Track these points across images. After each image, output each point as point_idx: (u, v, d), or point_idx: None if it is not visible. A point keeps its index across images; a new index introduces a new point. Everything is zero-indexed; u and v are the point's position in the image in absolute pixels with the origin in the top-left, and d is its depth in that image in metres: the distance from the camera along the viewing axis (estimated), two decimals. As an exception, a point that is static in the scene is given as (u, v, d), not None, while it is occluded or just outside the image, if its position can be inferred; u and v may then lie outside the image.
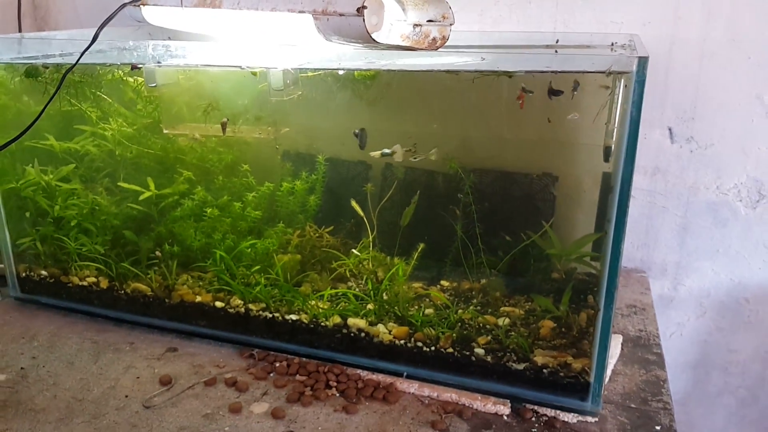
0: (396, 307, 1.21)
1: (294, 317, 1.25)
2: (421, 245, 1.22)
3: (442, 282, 1.29)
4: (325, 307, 1.24)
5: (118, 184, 1.38)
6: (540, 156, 1.26)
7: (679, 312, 1.64)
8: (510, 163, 1.28)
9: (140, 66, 1.20)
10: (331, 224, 1.32)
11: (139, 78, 1.28)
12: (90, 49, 1.12)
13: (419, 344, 1.17)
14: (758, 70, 1.42)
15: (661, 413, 1.08)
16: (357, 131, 1.19)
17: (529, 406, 1.10)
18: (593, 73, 1.02)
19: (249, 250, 1.29)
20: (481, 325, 1.18)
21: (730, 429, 1.69)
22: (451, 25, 1.00)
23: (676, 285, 1.62)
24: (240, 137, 1.28)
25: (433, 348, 1.16)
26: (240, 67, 1.17)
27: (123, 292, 1.38)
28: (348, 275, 1.29)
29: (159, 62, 1.16)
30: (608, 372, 1.17)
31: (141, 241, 1.37)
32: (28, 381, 1.18)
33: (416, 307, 1.22)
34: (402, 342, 1.18)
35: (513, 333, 1.15)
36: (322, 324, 1.23)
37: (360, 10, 0.88)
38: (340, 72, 1.17)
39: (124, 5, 1.20)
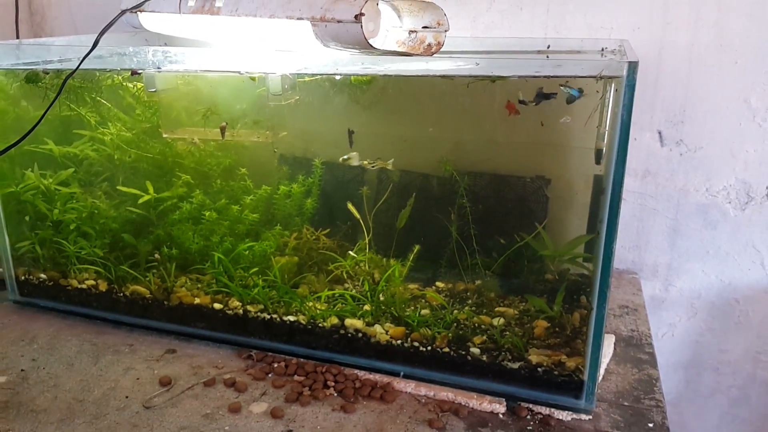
0: (393, 308, 1.23)
1: (292, 318, 1.27)
2: (417, 247, 1.24)
3: (437, 283, 1.31)
4: (323, 308, 1.26)
5: (117, 187, 1.39)
6: (533, 159, 1.29)
7: (671, 313, 1.66)
8: (503, 166, 1.30)
9: (140, 72, 1.22)
10: (327, 227, 1.34)
11: (138, 83, 1.30)
12: (89, 55, 1.13)
13: (416, 344, 1.19)
14: (745, 74, 1.45)
15: (654, 411, 1.10)
16: (351, 131, 1.22)
17: (524, 404, 1.11)
18: (585, 78, 1.05)
19: (247, 252, 1.31)
20: (476, 325, 1.20)
21: (722, 428, 1.71)
22: (446, 31, 1.02)
23: (667, 286, 1.65)
24: (238, 141, 1.30)
25: (429, 348, 1.18)
26: (239, 72, 1.19)
27: (122, 294, 1.39)
28: (345, 277, 1.30)
29: (159, 68, 1.18)
30: (601, 371, 1.19)
31: (140, 244, 1.38)
32: (29, 382, 1.19)
33: (412, 307, 1.24)
34: (399, 342, 1.20)
35: (508, 333, 1.17)
36: (320, 325, 1.25)
37: (358, 17, 0.90)
38: (337, 77, 1.19)
39: (124, 12, 1.21)
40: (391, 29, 1.00)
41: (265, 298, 1.29)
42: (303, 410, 1.11)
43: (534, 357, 1.13)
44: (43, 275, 1.47)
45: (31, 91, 1.36)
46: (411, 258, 1.23)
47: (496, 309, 1.23)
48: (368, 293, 1.25)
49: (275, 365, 1.23)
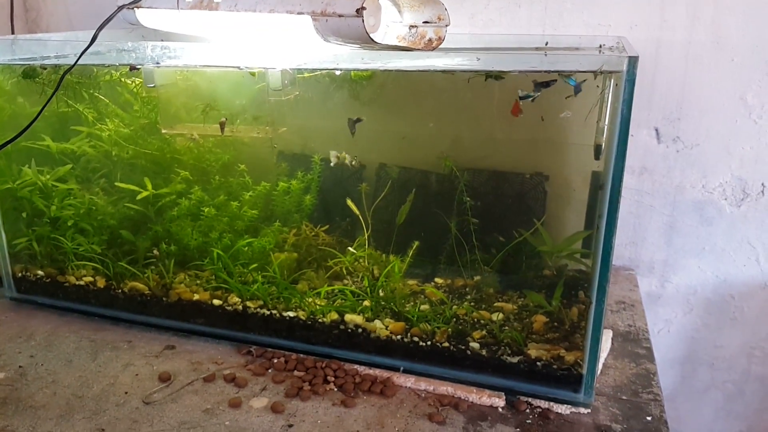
0: (392, 303, 1.23)
1: (291, 314, 1.27)
2: (416, 243, 1.24)
3: (436, 279, 1.31)
4: (322, 303, 1.26)
5: (115, 184, 1.39)
6: (532, 155, 1.29)
7: (667, 309, 1.67)
8: (502, 162, 1.30)
9: (139, 67, 1.21)
10: (326, 223, 1.34)
11: (137, 79, 1.30)
12: (87, 51, 1.13)
13: (415, 339, 1.19)
14: (741, 72, 1.46)
15: (652, 404, 1.11)
16: (355, 119, 1.21)
17: (523, 398, 1.12)
18: (585, 73, 1.05)
19: (246, 248, 1.31)
20: (475, 320, 1.21)
21: (717, 423, 1.73)
22: (446, 26, 1.02)
23: (663, 282, 1.66)
24: (238, 137, 1.30)
25: (429, 342, 1.19)
26: (238, 67, 1.18)
27: (120, 291, 1.39)
28: (344, 273, 1.31)
29: (158, 63, 1.18)
30: (600, 365, 1.20)
31: (138, 240, 1.38)
32: (27, 379, 1.19)
33: (412, 303, 1.24)
34: (398, 337, 1.20)
35: (507, 327, 1.18)
36: (320, 320, 1.25)
37: (359, 11, 0.90)
38: (337, 72, 1.19)
39: (122, 7, 1.21)
40: (391, 24, 1.01)
41: (264, 294, 1.29)
42: (303, 405, 1.11)
43: (533, 351, 1.14)
44: (40, 272, 1.46)
45: (28, 87, 1.35)
46: (410, 254, 1.24)
47: (495, 304, 1.23)
48: (368, 289, 1.25)
49: (275, 361, 1.23)
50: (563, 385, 1.10)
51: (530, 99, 1.10)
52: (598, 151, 1.12)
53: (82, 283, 1.42)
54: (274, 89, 1.16)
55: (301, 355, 1.24)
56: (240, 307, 1.31)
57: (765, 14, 1.40)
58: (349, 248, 1.29)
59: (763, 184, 1.51)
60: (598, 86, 1.03)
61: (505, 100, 1.14)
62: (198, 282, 1.36)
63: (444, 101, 1.24)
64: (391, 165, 1.34)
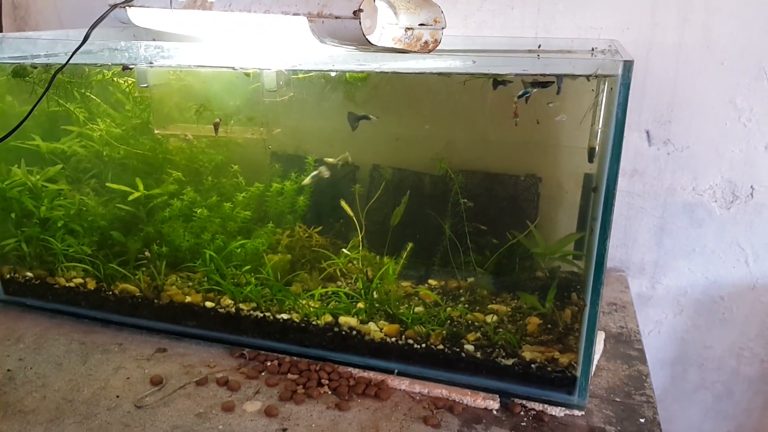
0: (387, 306, 1.23)
1: (285, 316, 1.26)
2: (410, 245, 1.24)
3: (430, 281, 1.31)
4: (316, 306, 1.26)
5: (106, 184, 1.37)
6: (525, 157, 1.30)
7: (657, 310, 1.68)
8: (496, 164, 1.31)
9: (131, 67, 1.20)
10: (320, 224, 1.33)
11: (129, 78, 1.28)
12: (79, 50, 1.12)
13: (410, 341, 1.19)
14: (731, 75, 1.47)
15: (645, 406, 1.11)
16: (360, 115, 1.21)
17: (517, 400, 1.12)
18: (578, 76, 1.06)
19: (239, 250, 1.30)
20: (469, 322, 1.21)
21: (706, 423, 1.74)
22: (442, 29, 1.02)
23: (654, 284, 1.67)
24: (232, 138, 1.29)
25: (423, 345, 1.18)
26: (233, 68, 1.18)
27: (111, 293, 1.38)
28: (338, 274, 1.30)
29: (151, 63, 1.17)
30: (593, 367, 1.20)
31: (129, 241, 1.37)
32: (16, 383, 1.17)
33: (406, 305, 1.24)
34: (393, 339, 1.20)
35: (501, 329, 1.18)
36: (314, 323, 1.24)
37: (356, 13, 0.90)
38: (333, 74, 1.18)
39: (114, 6, 1.20)
40: (387, 26, 1.00)
41: (257, 296, 1.28)
42: (297, 408, 1.10)
43: (527, 353, 1.14)
44: (29, 273, 1.45)
45: (17, 85, 1.34)
46: (404, 255, 1.24)
47: (489, 306, 1.24)
48: (362, 291, 1.25)
49: (268, 364, 1.22)
50: (557, 388, 1.11)
51: (527, 95, 1.10)
52: (591, 154, 1.13)
53: (72, 284, 1.41)
54: (269, 90, 1.15)
55: (295, 358, 1.24)
56: (233, 310, 1.30)
57: (754, 18, 1.41)
58: (343, 250, 1.28)
59: (752, 187, 1.52)
60: (592, 90, 1.04)
61: (499, 103, 1.14)
62: (190, 284, 1.35)
63: (439, 103, 1.24)
64: (385, 166, 1.34)
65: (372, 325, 1.22)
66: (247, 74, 1.19)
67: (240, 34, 1.16)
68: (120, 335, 1.34)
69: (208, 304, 1.32)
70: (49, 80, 1.13)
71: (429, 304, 1.25)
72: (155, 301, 1.34)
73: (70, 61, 1.12)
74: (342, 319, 1.24)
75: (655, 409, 1.11)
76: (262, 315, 1.28)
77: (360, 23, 0.91)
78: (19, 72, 1.30)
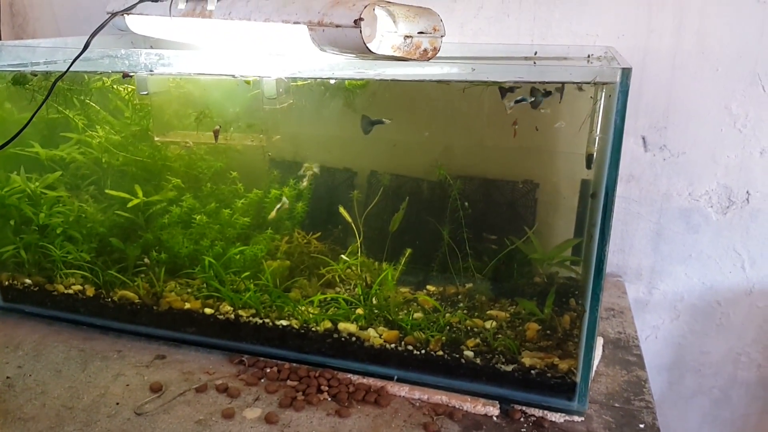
0: (386, 312, 1.23)
1: (284, 323, 1.27)
2: (409, 250, 1.24)
3: (429, 287, 1.32)
4: (316, 312, 1.26)
5: (105, 191, 1.38)
6: (523, 163, 1.31)
7: (654, 315, 1.69)
8: (493, 170, 1.31)
9: (132, 74, 1.20)
10: (318, 230, 1.34)
11: (129, 86, 1.29)
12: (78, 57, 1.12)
13: (409, 347, 1.19)
14: (726, 81, 1.48)
15: (644, 412, 1.12)
16: (374, 120, 1.21)
17: (517, 406, 1.12)
18: (579, 84, 1.07)
19: (238, 256, 1.30)
20: (469, 328, 1.21)
21: (704, 429, 1.75)
22: (441, 37, 1.03)
23: (650, 289, 1.67)
24: (231, 145, 1.29)
25: (423, 351, 1.19)
26: (233, 75, 1.18)
27: (110, 299, 1.37)
28: (337, 281, 1.30)
29: (151, 70, 1.17)
30: (592, 373, 1.21)
31: (128, 248, 1.37)
32: (15, 390, 1.17)
33: (405, 311, 1.24)
34: (392, 346, 1.20)
35: (500, 335, 1.18)
36: (313, 329, 1.24)
37: (357, 22, 0.91)
38: (332, 81, 1.19)
39: (114, 14, 1.20)
40: (386, 34, 1.01)
41: (257, 302, 1.28)
42: (297, 415, 1.10)
43: (527, 359, 1.14)
44: (28, 280, 1.44)
45: (16, 93, 1.34)
46: (403, 261, 1.24)
47: (488, 312, 1.24)
48: (361, 297, 1.25)
49: (268, 370, 1.22)
50: (557, 394, 1.11)
51: (523, 101, 1.11)
52: (589, 161, 1.14)
53: (70, 291, 1.41)
54: (269, 98, 1.16)
55: (294, 365, 1.24)
56: (232, 316, 1.30)
57: (748, 25, 1.43)
58: (342, 256, 1.29)
59: (748, 192, 1.53)
60: (591, 97, 1.05)
61: (498, 110, 1.15)
62: (189, 290, 1.35)
63: (437, 110, 1.25)
64: (383, 172, 1.35)
65: (371, 332, 1.22)
66: (247, 82, 1.19)
67: (240, 42, 1.16)
68: (119, 342, 1.34)
69: (207, 310, 1.32)
70: (49, 88, 1.14)
71: (428, 310, 1.25)
72: (154, 307, 1.34)
73: (70, 69, 1.13)
74: (341, 326, 1.24)
75: (654, 414, 1.11)
76: (261, 321, 1.28)
77: (360, 32, 0.92)
78: (19, 80, 1.30)
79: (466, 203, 1.25)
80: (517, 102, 1.10)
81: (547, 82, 1.05)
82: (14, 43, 1.52)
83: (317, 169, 1.28)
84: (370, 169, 1.37)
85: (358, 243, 1.28)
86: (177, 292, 1.35)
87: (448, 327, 1.21)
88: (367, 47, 0.92)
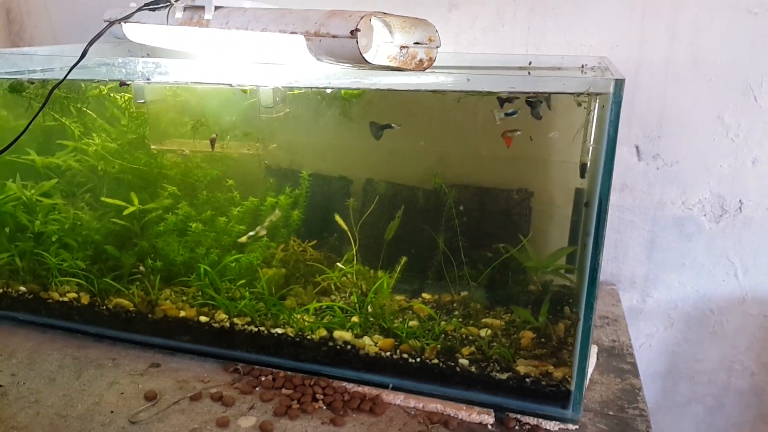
0: (381, 320, 1.24)
1: (280, 331, 1.27)
2: (404, 258, 1.25)
3: (424, 295, 1.32)
4: (311, 320, 1.26)
5: (101, 199, 1.38)
6: (518, 172, 1.31)
7: (648, 323, 1.70)
8: (491, 179, 1.32)
9: (129, 83, 1.21)
10: (314, 238, 1.34)
11: (126, 94, 1.29)
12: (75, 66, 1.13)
13: (404, 356, 1.20)
14: (718, 92, 1.49)
15: (638, 420, 1.12)
16: (383, 124, 1.22)
17: (512, 415, 1.13)
18: (571, 94, 1.08)
19: (233, 264, 1.30)
20: (464, 336, 1.21)
21: (697, 436, 1.75)
22: (437, 47, 1.04)
23: (644, 297, 1.68)
24: (227, 153, 1.30)
25: (418, 359, 1.19)
26: (230, 84, 1.19)
27: (105, 307, 1.37)
28: (332, 288, 1.31)
29: (149, 79, 1.17)
30: (586, 381, 1.21)
31: (123, 256, 1.37)
32: (9, 398, 1.17)
33: (401, 319, 1.25)
34: (388, 354, 1.20)
35: (495, 344, 1.19)
36: (308, 337, 1.25)
37: (354, 33, 0.91)
38: (328, 91, 1.20)
39: (111, 23, 1.21)
40: (382, 44, 1.02)
41: (252, 310, 1.28)
42: (292, 424, 1.10)
43: (522, 367, 1.15)
44: (22, 288, 1.44)
45: (13, 100, 1.34)
46: (398, 269, 1.24)
47: (483, 320, 1.24)
48: (356, 305, 1.26)
49: (263, 378, 1.22)
50: (552, 402, 1.11)
51: (513, 115, 1.12)
52: (583, 170, 1.14)
53: (65, 299, 1.40)
54: (266, 106, 1.17)
55: (289, 373, 1.24)
56: (227, 324, 1.30)
57: (740, 36, 1.44)
58: (338, 264, 1.29)
59: (740, 201, 1.55)
60: (584, 106, 1.05)
61: (493, 119, 1.16)
62: (184, 298, 1.35)
63: (433, 119, 1.26)
64: (379, 180, 1.35)
65: (366, 340, 1.23)
66: (244, 91, 1.20)
67: (237, 51, 1.17)
68: (114, 350, 1.34)
69: (203, 318, 1.32)
70: (46, 96, 1.14)
71: (423, 318, 1.25)
72: (149, 315, 1.34)
73: (68, 77, 1.13)
74: (336, 334, 1.24)
75: (648, 422, 1.12)
76: (256, 329, 1.28)
77: (357, 42, 0.93)
78: (16, 87, 1.31)
79: (461, 208, 1.26)
80: (507, 115, 1.11)
81: (540, 93, 1.06)
82: (11, 51, 1.52)
83: (278, 212, 1.29)
84: (365, 178, 1.38)
85: (354, 251, 1.28)
86: (172, 300, 1.35)
87: (443, 335, 1.21)
88: (363, 57, 0.93)
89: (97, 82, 1.29)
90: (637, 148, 1.59)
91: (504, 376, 1.14)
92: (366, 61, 0.94)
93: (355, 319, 1.25)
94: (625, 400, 1.18)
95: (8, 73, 1.33)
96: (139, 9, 1.20)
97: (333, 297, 1.31)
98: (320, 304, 1.28)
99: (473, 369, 1.16)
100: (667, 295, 1.67)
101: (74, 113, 1.36)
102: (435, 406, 1.14)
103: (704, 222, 1.59)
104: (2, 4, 1.88)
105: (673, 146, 1.56)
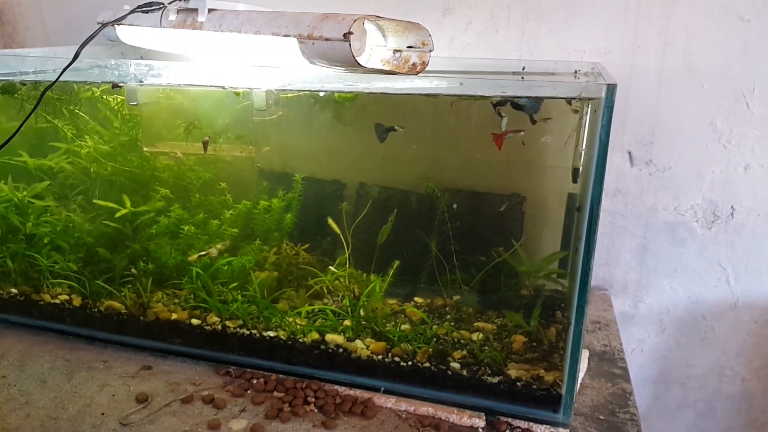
0: (373, 323, 1.24)
1: (271, 334, 1.26)
2: (396, 262, 1.25)
3: (416, 298, 1.32)
4: (303, 323, 1.26)
5: (93, 201, 1.37)
6: (510, 177, 1.32)
7: (640, 328, 1.70)
8: (483, 183, 1.33)
9: (121, 85, 1.21)
10: (307, 242, 1.34)
11: (118, 96, 1.29)
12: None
13: (396, 359, 1.20)
14: (711, 98, 1.50)
15: (629, 424, 1.13)
16: (388, 127, 1.22)
17: (503, 418, 1.13)
18: (563, 99, 1.08)
19: (226, 267, 1.30)
20: (456, 339, 1.21)
21: (688, 441, 1.76)
22: (430, 51, 1.04)
23: (636, 302, 1.69)
24: (220, 155, 1.30)
25: (409, 363, 1.19)
26: (223, 87, 1.19)
27: (96, 310, 1.37)
28: (325, 292, 1.31)
29: (141, 81, 1.18)
30: (577, 385, 1.21)
31: (115, 258, 1.36)
32: (-1, 400, 1.16)
33: (393, 322, 1.24)
34: (379, 357, 1.20)
35: (487, 347, 1.19)
36: (300, 340, 1.24)
37: (346, 36, 0.92)
38: (321, 94, 1.20)
39: (105, 25, 1.21)
40: (375, 48, 1.02)
41: (244, 313, 1.28)
42: (283, 427, 1.10)
43: (513, 371, 1.15)
44: (14, 290, 1.43)
45: (5, 102, 1.34)
46: (391, 273, 1.24)
47: (475, 324, 1.25)
48: (349, 308, 1.26)
49: (254, 381, 1.22)
50: (543, 406, 1.11)
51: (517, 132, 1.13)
52: (575, 175, 1.15)
53: (57, 301, 1.40)
54: (258, 109, 1.17)
55: (281, 376, 1.24)
56: (219, 327, 1.30)
57: (732, 42, 1.45)
58: (330, 267, 1.29)
59: (732, 207, 1.55)
60: (576, 112, 1.06)
61: (485, 123, 1.16)
62: (176, 301, 1.35)
63: (426, 123, 1.26)
64: (372, 184, 1.36)
65: (358, 343, 1.22)
66: (237, 93, 1.20)
67: (230, 54, 1.17)
68: (105, 352, 1.33)
69: (194, 321, 1.31)
70: (38, 98, 1.14)
71: (415, 321, 1.26)
72: (141, 318, 1.34)
73: (60, 79, 1.13)
74: (328, 337, 1.24)
75: (639, 427, 1.12)
76: (248, 332, 1.28)
77: (350, 45, 0.93)
78: (8, 89, 1.30)
79: (454, 207, 1.26)
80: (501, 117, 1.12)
81: (533, 97, 1.06)
82: (4, 52, 1.51)
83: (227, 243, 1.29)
84: (359, 181, 1.38)
85: (347, 254, 1.28)
86: (164, 302, 1.35)
87: (435, 339, 1.21)
88: (356, 60, 0.93)
89: (90, 84, 1.29)
90: (629, 153, 1.59)
91: (495, 379, 1.15)
92: (359, 64, 0.94)
93: (347, 322, 1.25)
94: (616, 404, 1.18)
95: (1, 74, 1.32)
96: (133, 11, 1.21)
97: (325, 300, 1.31)
98: (312, 307, 1.28)
99: (465, 372, 1.16)
100: (659, 300, 1.67)
101: (67, 115, 1.35)
102: (426, 409, 1.14)
103: (696, 228, 1.59)
104: (-4, 6, 1.88)
105: (665, 152, 1.56)
